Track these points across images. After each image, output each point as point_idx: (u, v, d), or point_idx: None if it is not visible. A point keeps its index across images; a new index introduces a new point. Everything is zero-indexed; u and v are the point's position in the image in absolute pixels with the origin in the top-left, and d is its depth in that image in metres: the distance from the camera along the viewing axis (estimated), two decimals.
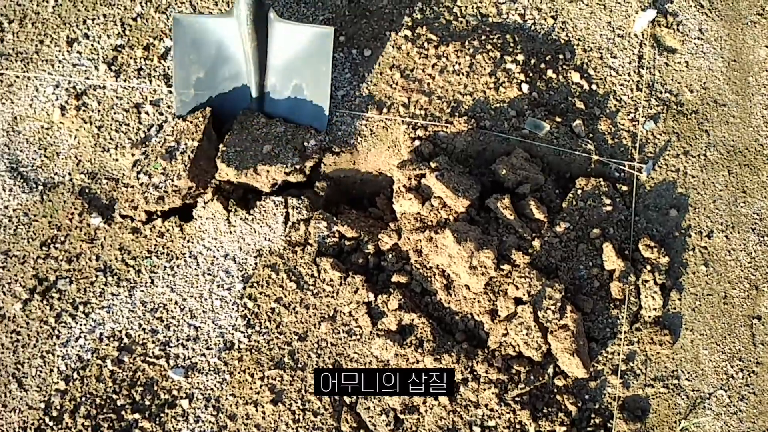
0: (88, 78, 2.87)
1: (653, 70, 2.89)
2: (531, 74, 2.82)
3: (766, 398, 2.42)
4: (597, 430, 2.35)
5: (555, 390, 2.38)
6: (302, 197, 2.62)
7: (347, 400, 2.37)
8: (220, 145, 2.65)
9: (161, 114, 2.80)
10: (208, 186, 2.64)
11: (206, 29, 2.71)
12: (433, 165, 2.55)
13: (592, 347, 2.43)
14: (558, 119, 2.75)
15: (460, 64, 2.81)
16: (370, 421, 2.32)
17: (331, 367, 2.41)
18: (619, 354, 2.44)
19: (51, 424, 2.36)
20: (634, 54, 2.91)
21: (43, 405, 2.38)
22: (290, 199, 2.60)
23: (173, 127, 2.71)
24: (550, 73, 2.84)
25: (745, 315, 2.52)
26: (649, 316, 2.48)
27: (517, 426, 2.30)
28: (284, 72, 2.74)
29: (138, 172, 2.62)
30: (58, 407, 2.38)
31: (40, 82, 2.88)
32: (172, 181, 2.57)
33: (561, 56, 2.90)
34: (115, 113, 2.81)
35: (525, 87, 2.77)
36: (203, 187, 2.62)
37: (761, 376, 2.45)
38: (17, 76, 2.88)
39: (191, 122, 2.68)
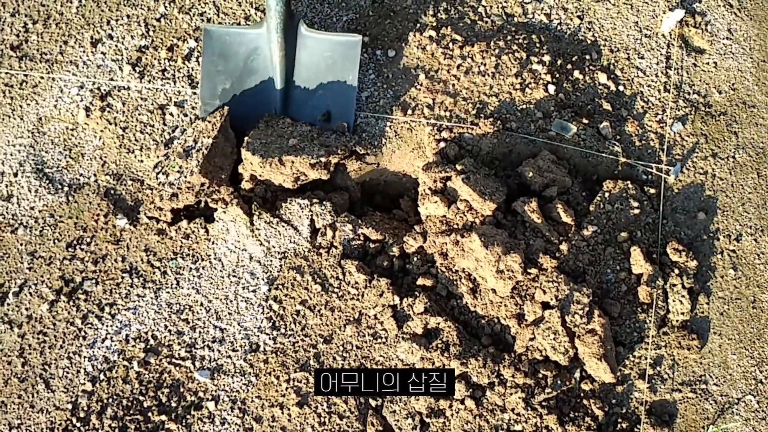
0: (112, 79, 2.87)
1: (681, 71, 2.85)
2: (557, 75, 2.79)
3: None
4: None
5: (582, 394, 2.36)
6: (324, 202, 2.60)
7: (373, 403, 2.36)
8: (246, 137, 2.63)
9: (185, 115, 2.80)
10: (223, 184, 2.61)
11: (235, 41, 2.74)
12: (458, 167, 2.54)
13: (620, 351, 2.42)
14: (585, 121, 2.72)
15: (485, 64, 2.79)
16: (395, 424, 2.32)
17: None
18: (646, 358, 2.42)
19: (78, 425, 2.37)
20: (661, 54, 2.87)
21: (70, 406, 2.40)
22: (315, 205, 2.58)
23: (193, 128, 2.71)
24: (576, 74, 2.81)
25: None
26: (677, 320, 2.46)
27: (544, 430, 2.29)
28: (311, 80, 2.75)
29: (158, 173, 2.62)
30: (85, 408, 2.39)
31: (65, 83, 2.88)
32: (186, 177, 2.55)
33: (588, 57, 2.87)
34: (139, 114, 2.81)
35: (551, 88, 2.75)
36: (218, 184, 2.60)
37: None
38: (42, 77, 2.89)
39: (209, 122, 2.68)
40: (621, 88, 2.82)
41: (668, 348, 2.44)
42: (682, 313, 2.46)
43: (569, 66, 2.83)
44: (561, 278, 2.37)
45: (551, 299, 2.36)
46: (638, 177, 2.68)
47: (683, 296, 2.46)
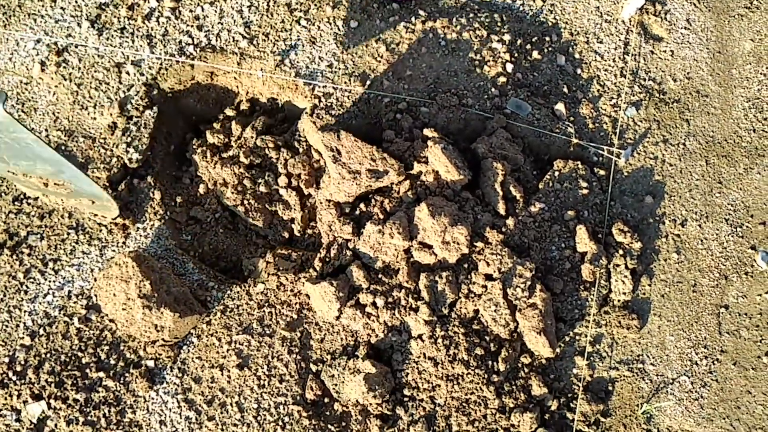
0: (70, 35, 2.83)
1: (638, 58, 2.88)
2: (516, 54, 2.81)
3: (728, 386, 2.44)
4: (560, 409, 2.36)
5: (520, 367, 2.38)
6: None
7: (313, 367, 2.37)
8: None
9: (142, 75, 2.77)
10: None
11: None
12: (430, 134, 2.54)
13: (560, 328, 2.44)
14: (540, 101, 2.74)
15: (446, 40, 2.79)
16: (333, 388, 2.32)
17: (299, 335, 2.40)
18: (586, 336, 2.45)
19: (14, 378, 2.34)
20: (620, 40, 2.90)
21: (6, 360, 2.37)
22: None
23: None
24: (535, 54, 2.83)
25: (713, 304, 2.54)
26: (618, 300, 2.50)
27: (481, 400, 2.31)
28: None
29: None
30: (23, 362, 2.36)
31: (21, 36, 2.83)
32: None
33: (547, 38, 2.89)
34: (95, 71, 2.78)
35: (510, 67, 2.76)
36: None
37: (724, 364, 2.47)
38: None
39: None
40: (578, 70, 2.84)
41: (608, 327, 2.47)
42: (624, 293, 2.49)
43: (529, 46, 2.85)
44: (505, 251, 2.38)
45: (494, 272, 2.37)
46: (589, 158, 2.71)
47: (626, 277, 2.49)
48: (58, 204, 2.54)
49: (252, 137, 2.67)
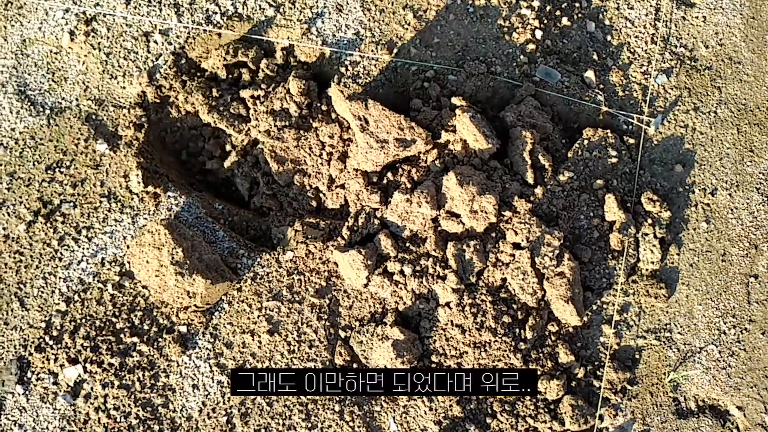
0: (98, 4, 2.84)
1: (669, 24, 2.84)
2: (546, 21, 2.78)
3: (756, 355, 2.44)
4: (587, 377, 2.38)
5: (547, 335, 2.40)
6: None
7: (342, 334, 2.40)
8: None
9: (170, 44, 2.78)
10: None
11: None
12: (458, 102, 2.54)
13: (588, 296, 2.45)
14: (570, 68, 2.72)
15: (474, 7, 2.77)
16: (362, 354, 2.36)
17: (327, 302, 2.44)
18: (614, 304, 2.45)
19: (51, 342, 2.40)
20: (651, 6, 2.85)
21: (43, 324, 2.43)
22: None
23: None
24: (565, 20, 2.80)
25: (742, 273, 2.53)
26: (647, 269, 2.49)
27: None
28: None
29: None
30: (59, 327, 2.42)
31: (50, 5, 2.85)
32: None
33: (577, 4, 2.85)
34: (124, 41, 2.79)
35: (539, 34, 2.73)
36: None
37: (753, 333, 2.46)
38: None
39: None
40: (608, 37, 2.81)
41: (636, 296, 2.47)
42: (652, 262, 2.49)
43: (558, 12, 2.81)
44: (533, 220, 2.39)
45: (522, 240, 2.38)
46: (619, 127, 2.69)
47: (654, 246, 2.49)
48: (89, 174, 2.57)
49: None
